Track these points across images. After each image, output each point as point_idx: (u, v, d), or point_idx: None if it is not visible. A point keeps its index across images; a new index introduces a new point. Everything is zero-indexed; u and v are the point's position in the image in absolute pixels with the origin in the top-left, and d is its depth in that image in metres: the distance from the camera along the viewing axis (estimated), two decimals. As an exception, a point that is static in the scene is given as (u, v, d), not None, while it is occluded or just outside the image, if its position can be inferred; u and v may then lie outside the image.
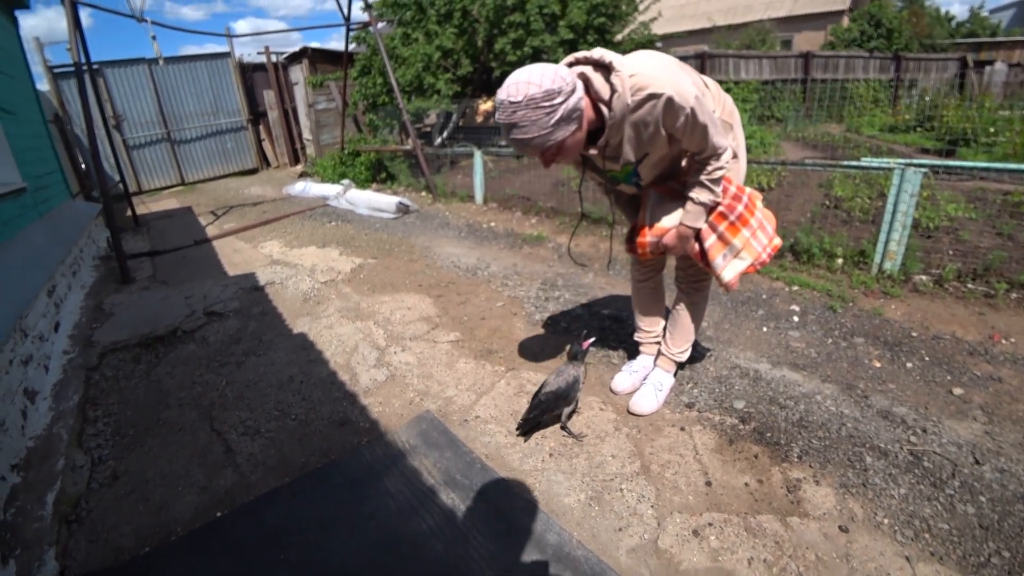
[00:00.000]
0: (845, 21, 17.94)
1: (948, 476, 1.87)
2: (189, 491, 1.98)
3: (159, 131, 10.32)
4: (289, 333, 3.22)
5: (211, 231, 6.20)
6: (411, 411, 2.37)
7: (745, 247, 1.91)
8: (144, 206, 8.44)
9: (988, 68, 12.67)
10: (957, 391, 2.34)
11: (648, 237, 1.96)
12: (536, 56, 7.51)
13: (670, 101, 1.53)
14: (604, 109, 1.62)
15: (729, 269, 1.92)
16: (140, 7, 7.04)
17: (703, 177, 1.76)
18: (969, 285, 3.22)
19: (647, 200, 1.98)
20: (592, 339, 2.16)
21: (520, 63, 7.57)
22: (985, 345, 2.69)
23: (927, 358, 2.60)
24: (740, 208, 1.89)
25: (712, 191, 1.80)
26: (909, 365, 2.56)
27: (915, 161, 3.26)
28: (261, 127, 11.63)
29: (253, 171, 11.52)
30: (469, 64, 8.17)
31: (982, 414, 2.19)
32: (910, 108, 9.56)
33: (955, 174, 4.31)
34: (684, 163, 1.89)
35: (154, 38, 7.84)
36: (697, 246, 1.94)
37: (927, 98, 9.67)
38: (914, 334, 2.82)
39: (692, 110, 1.56)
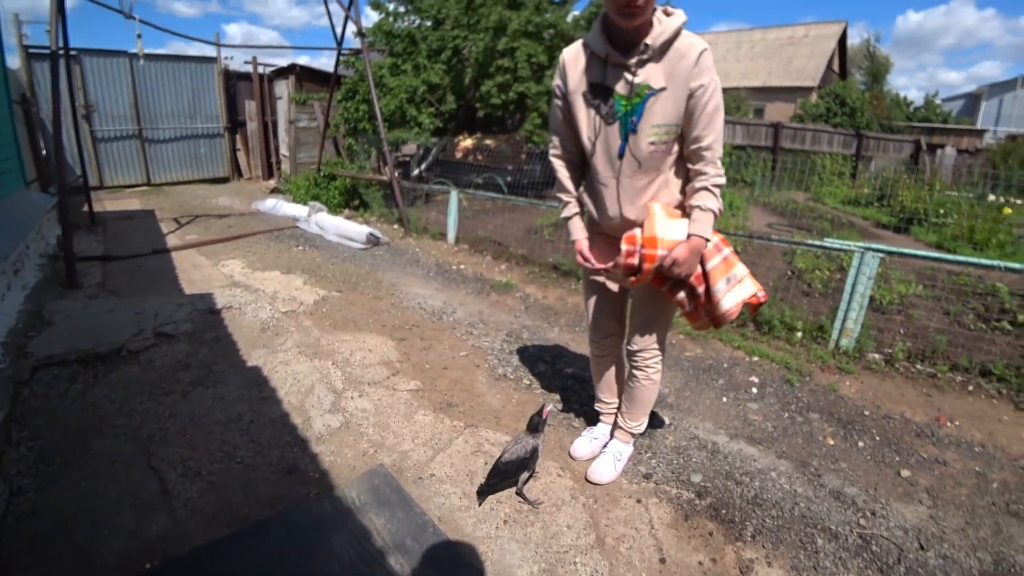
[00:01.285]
0: (814, 97, 19.08)
1: (895, 561, 1.90)
2: (116, 535, 1.84)
3: (131, 127, 10.02)
4: (242, 365, 3.08)
5: (172, 240, 5.98)
6: (364, 463, 2.27)
7: (747, 276, 1.89)
8: (103, 203, 8.09)
9: (939, 151, 13.61)
10: (905, 473, 2.40)
11: (659, 250, 1.78)
12: (521, 101, 7.69)
13: (706, 53, 1.68)
14: (661, 18, 1.71)
15: (730, 296, 1.84)
16: (130, 2, 6.92)
17: (708, 183, 1.76)
18: (918, 366, 3.36)
19: (652, 215, 1.83)
20: (550, 409, 2.14)
21: (505, 106, 7.73)
22: (932, 427, 2.78)
23: (878, 438, 2.67)
24: (729, 250, 1.90)
25: (717, 198, 1.79)
26: (861, 444, 2.62)
27: (873, 246, 3.42)
28: (238, 137, 11.44)
29: (224, 180, 11.27)
30: (454, 101, 8.28)
31: (927, 497, 2.25)
32: (869, 183, 10.12)
33: (910, 256, 4.55)
34: (672, 160, 1.84)
35: (139, 36, 7.70)
36: (699, 268, 1.85)
37: (885, 175, 10.27)
38: (866, 412, 2.90)
39: (717, 82, 1.72)
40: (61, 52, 4.84)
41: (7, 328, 3.35)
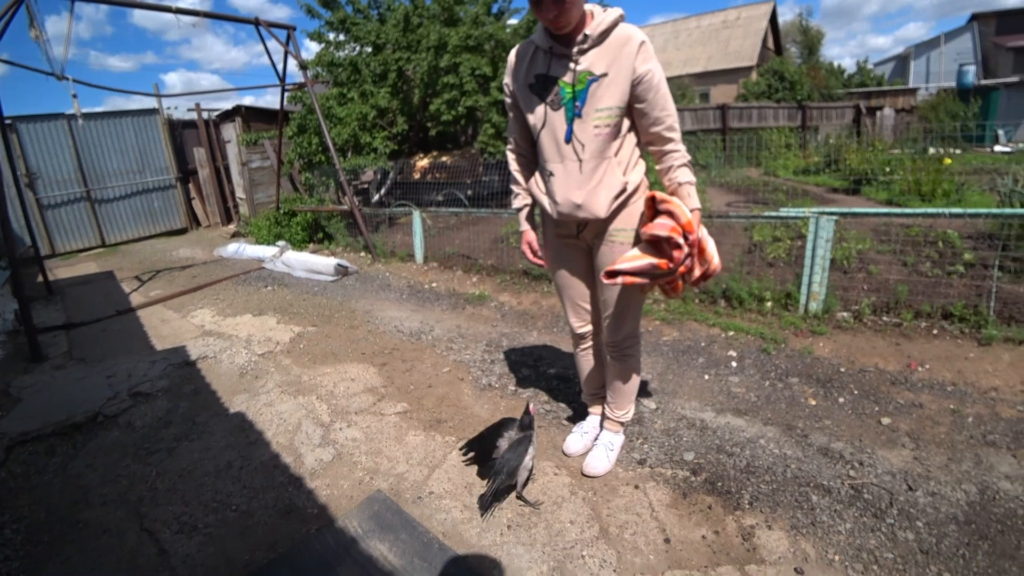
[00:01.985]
0: (754, 75, 19.68)
1: (887, 505, 1.98)
2: (116, 606, 1.79)
3: (78, 189, 9.76)
4: (225, 413, 3.03)
5: (136, 299, 5.83)
6: (361, 492, 2.26)
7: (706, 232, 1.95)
8: (58, 271, 7.86)
9: (879, 113, 14.17)
10: (885, 421, 2.50)
11: (696, 232, 1.80)
12: (471, 115, 7.76)
13: (646, 43, 1.77)
14: (598, 11, 1.81)
15: (715, 253, 1.92)
16: (61, 64, 6.77)
17: (684, 159, 1.86)
18: (884, 318, 3.49)
19: (674, 203, 1.82)
20: (535, 408, 2.19)
21: (456, 122, 7.80)
22: (904, 374, 2.90)
23: (856, 391, 2.77)
24: None
25: (692, 170, 1.89)
26: (841, 400, 2.71)
27: (827, 210, 3.56)
28: (191, 185, 11.25)
29: (182, 231, 11.05)
30: (404, 122, 8.32)
31: (909, 440, 2.35)
32: (817, 152, 10.48)
33: (862, 215, 4.73)
34: (618, 145, 1.88)
35: (75, 96, 7.54)
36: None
37: (831, 142, 10.65)
38: (842, 369, 3.00)
39: (660, 72, 1.80)
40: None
41: (-27, 412, 3.24)
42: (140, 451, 2.70)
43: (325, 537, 1.98)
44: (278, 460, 2.53)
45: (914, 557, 1.75)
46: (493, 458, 2.06)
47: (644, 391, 2.88)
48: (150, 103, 10.61)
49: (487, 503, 2.07)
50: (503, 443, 2.09)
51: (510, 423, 2.21)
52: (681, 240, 1.76)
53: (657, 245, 1.83)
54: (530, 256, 2.22)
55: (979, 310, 3.28)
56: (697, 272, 1.90)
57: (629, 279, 1.84)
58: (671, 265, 1.79)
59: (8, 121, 8.11)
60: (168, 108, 10.84)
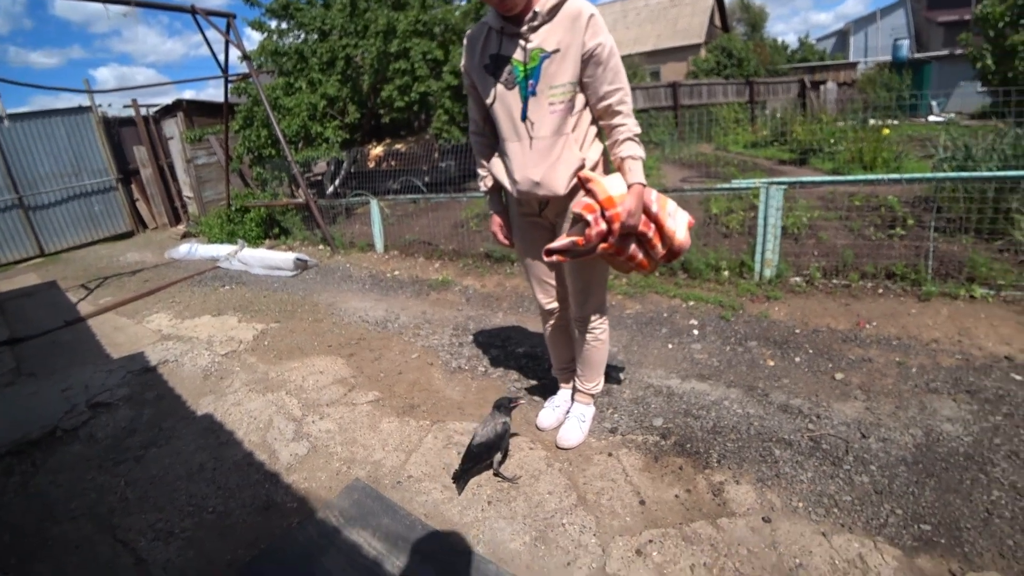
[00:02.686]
0: (703, 53, 20.02)
1: (843, 453, 2.11)
2: (95, 617, 1.75)
3: (8, 196, 9.18)
4: (192, 416, 2.96)
5: (84, 308, 5.58)
6: (340, 482, 2.26)
7: (676, 206, 1.98)
8: (-5, 286, 7.43)
9: (822, 87, 14.67)
10: (839, 376, 2.65)
11: (619, 207, 1.80)
12: (424, 101, 7.64)
13: (596, 16, 1.78)
14: None
15: (680, 227, 1.92)
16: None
17: (630, 133, 1.86)
18: (834, 281, 3.67)
19: (596, 180, 1.86)
20: (523, 402, 2.24)
21: (409, 108, 7.68)
22: (854, 332, 3.07)
23: (811, 351, 2.92)
24: (653, 191, 1.96)
25: (640, 145, 1.88)
26: (797, 359, 2.85)
27: (776, 180, 3.70)
28: (134, 186, 10.74)
29: (128, 235, 10.57)
30: (356, 111, 8.14)
31: (861, 393, 2.51)
32: (766, 125, 10.79)
33: (810, 184, 4.94)
34: (574, 122, 1.88)
35: (-3, 98, 7.06)
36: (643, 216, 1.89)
37: (778, 116, 10.98)
38: (797, 331, 3.15)
39: (611, 44, 1.80)
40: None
41: (-84, 437, 3.06)
42: (106, 462, 2.62)
43: (307, 529, 1.98)
44: (252, 458, 2.50)
45: (870, 498, 1.89)
46: (472, 445, 2.09)
47: (611, 362, 2.96)
48: (81, 100, 10.04)
49: (459, 477, 2.11)
50: (479, 429, 2.12)
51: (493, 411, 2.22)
52: (591, 217, 1.79)
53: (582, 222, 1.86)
54: (500, 238, 2.24)
55: (918, 269, 3.48)
56: (661, 249, 1.94)
57: (559, 257, 1.89)
58: (586, 242, 1.82)
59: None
60: (102, 105, 10.30)
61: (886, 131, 7.76)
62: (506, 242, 2.25)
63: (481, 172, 2.20)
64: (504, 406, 2.15)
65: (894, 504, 1.85)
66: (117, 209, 10.53)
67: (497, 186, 2.16)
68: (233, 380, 3.35)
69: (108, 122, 10.29)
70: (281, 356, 3.65)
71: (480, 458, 2.09)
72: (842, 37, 28.05)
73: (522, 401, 2.26)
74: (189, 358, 3.76)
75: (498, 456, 2.13)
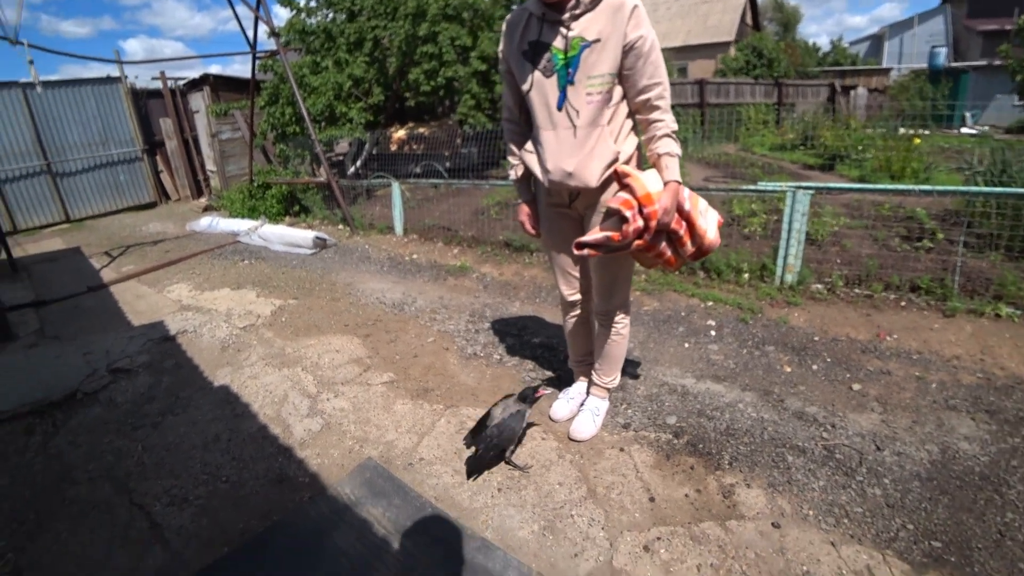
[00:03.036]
0: (732, 51, 19.68)
1: (857, 464, 2.09)
2: (111, 577, 1.80)
3: (37, 162, 9.33)
4: (209, 387, 3.01)
5: (107, 275, 5.68)
6: (352, 460, 2.29)
7: (707, 204, 1.97)
8: (21, 248, 7.57)
9: (852, 92, 14.37)
10: (856, 387, 2.62)
11: (656, 204, 1.79)
12: (450, 86, 7.60)
13: (639, 7, 1.74)
14: None
15: (711, 226, 1.93)
16: (15, 28, 6.43)
17: (668, 129, 1.84)
18: (856, 290, 3.62)
19: (635, 175, 1.85)
20: (547, 392, 2.26)
21: (434, 93, 7.65)
22: (874, 343, 3.03)
23: (829, 359, 2.89)
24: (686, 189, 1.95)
25: (677, 142, 1.86)
26: (815, 367, 2.82)
27: (803, 184, 3.64)
28: (158, 158, 10.86)
29: (151, 205, 10.71)
30: (381, 93, 8.12)
31: (878, 405, 2.47)
32: (793, 129, 10.61)
33: (836, 191, 4.86)
34: (610, 114, 1.87)
35: (31, 62, 7.16)
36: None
37: (807, 120, 10.79)
38: (816, 338, 3.12)
39: (653, 38, 1.77)
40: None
41: (-57, 391, 3.14)
42: (124, 427, 2.68)
43: (319, 504, 2.01)
44: (266, 431, 2.54)
45: (881, 511, 1.87)
46: (487, 426, 2.10)
47: (627, 358, 2.95)
48: (111, 71, 10.13)
49: (474, 466, 2.13)
50: (498, 411, 2.13)
51: (509, 397, 2.23)
52: (629, 214, 1.78)
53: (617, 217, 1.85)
54: (528, 227, 2.23)
55: (944, 283, 3.42)
56: (690, 247, 1.92)
57: (591, 251, 1.88)
58: (622, 239, 1.81)
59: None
60: (130, 77, 10.38)
61: (917, 140, 7.60)
62: (533, 231, 2.24)
63: (512, 160, 2.18)
64: (528, 397, 2.16)
65: (905, 519, 1.83)
66: (142, 180, 10.66)
67: (527, 175, 2.14)
68: (250, 353, 3.39)
69: (136, 93, 10.38)
70: (298, 332, 3.69)
71: (495, 444, 2.10)
72: (876, 42, 27.39)
73: (546, 392, 2.27)
74: (208, 329, 3.81)
75: (511, 446, 2.14)
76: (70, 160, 9.72)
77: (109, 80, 10.02)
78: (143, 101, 10.53)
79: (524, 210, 2.22)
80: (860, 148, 8.01)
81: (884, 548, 1.72)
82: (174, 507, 2.10)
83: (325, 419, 2.62)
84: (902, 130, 8.96)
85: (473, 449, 2.15)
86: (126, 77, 10.23)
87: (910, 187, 3.59)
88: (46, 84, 9.26)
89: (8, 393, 3.07)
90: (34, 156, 9.32)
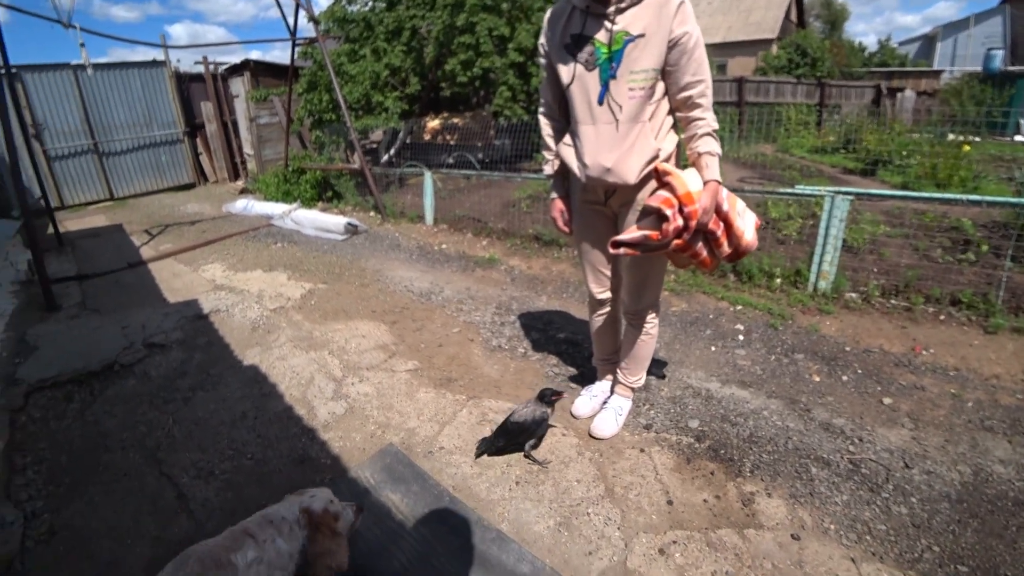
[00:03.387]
0: (774, 49, 19.17)
1: (883, 480, 2.04)
2: (140, 543, 1.88)
3: (85, 142, 9.69)
4: (239, 365, 3.10)
5: (146, 252, 5.87)
6: (373, 445, 2.33)
7: (745, 208, 1.93)
8: (67, 223, 7.88)
9: (899, 95, 13.85)
10: (887, 400, 2.54)
11: (696, 204, 1.78)
12: (486, 77, 7.59)
13: (683, 5, 1.73)
14: None
15: (748, 228, 1.90)
16: (68, 11, 6.65)
17: (709, 128, 1.81)
18: (892, 301, 3.50)
19: (676, 174, 1.83)
20: (564, 396, 2.28)
21: (471, 83, 7.65)
22: (908, 356, 2.93)
23: (860, 371, 2.81)
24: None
25: (718, 141, 1.84)
26: (844, 378, 2.75)
27: (843, 189, 3.53)
28: (198, 140, 11.15)
29: (190, 186, 11.01)
30: (417, 83, 8.16)
31: (909, 421, 2.40)
32: (834, 131, 10.29)
33: (877, 197, 4.70)
34: (652, 110, 1.85)
35: (83, 45, 7.41)
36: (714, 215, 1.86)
37: (849, 122, 10.44)
38: (847, 348, 3.03)
39: (698, 34, 1.75)
40: (2, 71, 4.63)
41: (-8, 357, 3.30)
42: (156, 399, 2.77)
43: (339, 486, 2.05)
44: (291, 412, 2.60)
45: (906, 530, 1.82)
46: (507, 419, 2.12)
47: (652, 358, 2.93)
48: (156, 54, 10.42)
49: (484, 447, 2.17)
50: (520, 408, 2.14)
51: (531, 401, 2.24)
52: (669, 212, 1.75)
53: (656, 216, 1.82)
54: (560, 224, 2.21)
55: (988, 299, 3.28)
56: (727, 248, 1.89)
57: (627, 250, 1.85)
58: (661, 238, 1.79)
59: (14, 70, 7.98)
60: (174, 61, 10.66)
61: (967, 148, 7.29)
62: (566, 229, 2.22)
63: (547, 155, 2.16)
64: (547, 397, 2.17)
65: (932, 540, 1.77)
66: (182, 161, 10.96)
67: (562, 170, 2.13)
68: (279, 335, 3.47)
69: (179, 77, 10.66)
70: (326, 316, 3.76)
71: (513, 435, 2.11)
72: (928, 42, 26.28)
73: (564, 395, 2.28)
74: (239, 309, 3.92)
75: (532, 441, 2.15)
76: (115, 140, 10.05)
77: (154, 64, 10.31)
78: (186, 85, 10.80)
79: (557, 206, 2.20)
80: (904, 154, 7.72)
81: (907, 568, 1.67)
82: (200, 480, 2.17)
83: (349, 403, 2.67)
84: (951, 136, 8.60)
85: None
86: (170, 61, 10.51)
87: (957, 196, 3.45)
88: (96, 66, 9.57)
89: (52, 361, 3.22)
90: (83, 135, 9.67)
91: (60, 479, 2.21)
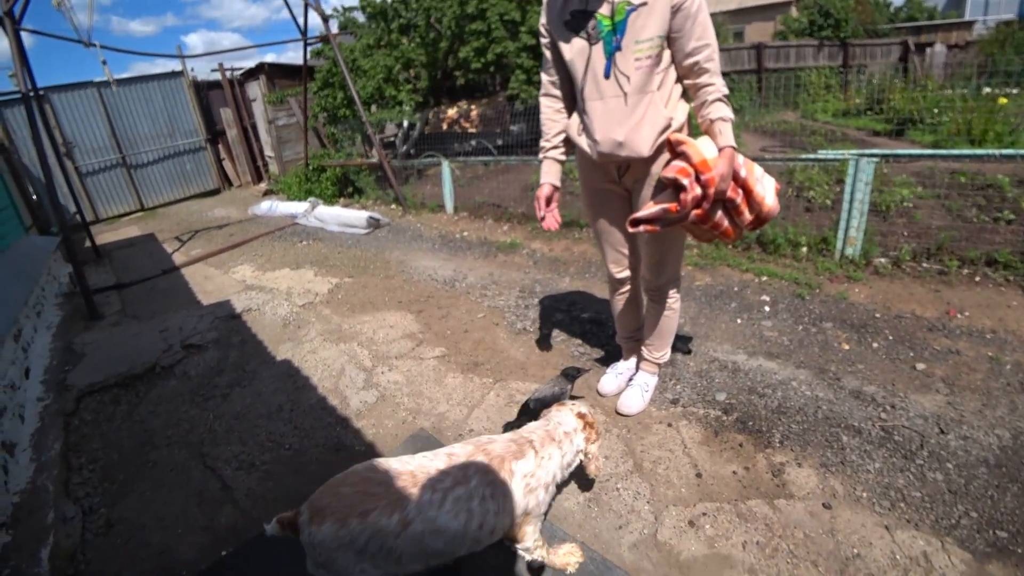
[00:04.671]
0: (794, 11, 18.50)
1: (917, 447, 2.00)
2: (190, 532, 1.98)
3: (113, 156, 10.01)
4: (272, 361, 3.20)
5: (178, 258, 6.07)
6: (405, 430, 2.40)
7: (763, 173, 1.88)
8: (102, 235, 8.18)
9: (928, 50, 13.26)
10: (920, 366, 2.49)
11: (713, 171, 1.73)
12: (499, 62, 7.55)
13: None
14: None
15: (769, 192, 1.84)
16: (87, 31, 6.85)
17: (720, 93, 1.77)
18: (924, 264, 3.41)
19: (690, 142, 1.79)
20: (587, 372, 2.36)
21: (485, 70, 7.62)
22: (942, 321, 2.85)
23: (891, 337, 2.75)
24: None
25: (730, 106, 1.79)
26: (875, 345, 2.70)
27: (867, 152, 3.43)
28: (220, 146, 11.40)
29: (215, 192, 11.28)
30: (428, 77, 8.18)
31: (944, 386, 2.34)
32: (860, 93, 9.93)
33: (905, 158, 4.54)
34: (659, 80, 1.81)
35: (104, 63, 7.63)
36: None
37: (875, 82, 10.06)
38: (877, 315, 2.97)
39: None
40: (32, 94, 4.81)
41: (43, 366, 3.48)
42: (197, 397, 2.89)
43: (374, 472, 2.12)
44: (325, 403, 2.69)
45: (942, 496, 1.79)
46: (527, 400, 2.15)
47: (677, 333, 2.91)
48: (174, 65, 10.64)
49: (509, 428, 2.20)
50: (539, 388, 2.18)
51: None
52: (686, 182, 1.71)
53: (673, 188, 1.79)
54: (540, 209, 2.08)
55: (1027, 256, 3.17)
56: (748, 216, 1.85)
57: (647, 227, 1.82)
58: (680, 209, 1.75)
59: (41, 92, 8.25)
60: (192, 70, 10.88)
61: (1003, 100, 6.96)
62: (552, 223, 2.09)
63: (543, 142, 2.10)
64: (571, 375, 2.19)
65: (969, 506, 1.74)
66: (206, 168, 11.22)
67: (557, 156, 2.08)
68: (309, 330, 3.57)
69: (198, 86, 10.88)
70: (354, 309, 3.84)
71: (534, 416, 2.14)
72: (959, -8, 25.00)
73: (588, 371, 2.31)
74: (270, 307, 4.03)
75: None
76: (142, 152, 10.34)
77: (173, 75, 10.54)
78: (204, 92, 11.02)
79: (545, 192, 2.06)
80: (936, 111, 7.42)
81: (943, 535, 1.65)
82: (242, 471, 2.26)
83: (380, 391, 2.74)
84: (987, 89, 8.21)
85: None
86: (189, 71, 10.74)
87: (991, 151, 3.31)
88: (117, 82, 9.85)
89: (98, 366, 3.38)
90: (111, 150, 9.98)
91: (113, 476, 2.34)
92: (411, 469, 1.42)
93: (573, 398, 2.27)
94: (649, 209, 1.82)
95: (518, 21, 7.29)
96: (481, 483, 1.41)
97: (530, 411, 2.14)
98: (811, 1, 17.43)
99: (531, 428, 1.66)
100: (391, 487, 1.36)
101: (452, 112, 8.94)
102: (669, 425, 2.25)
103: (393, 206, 7.04)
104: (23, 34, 4.76)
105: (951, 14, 23.06)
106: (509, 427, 2.23)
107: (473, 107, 8.86)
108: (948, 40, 15.84)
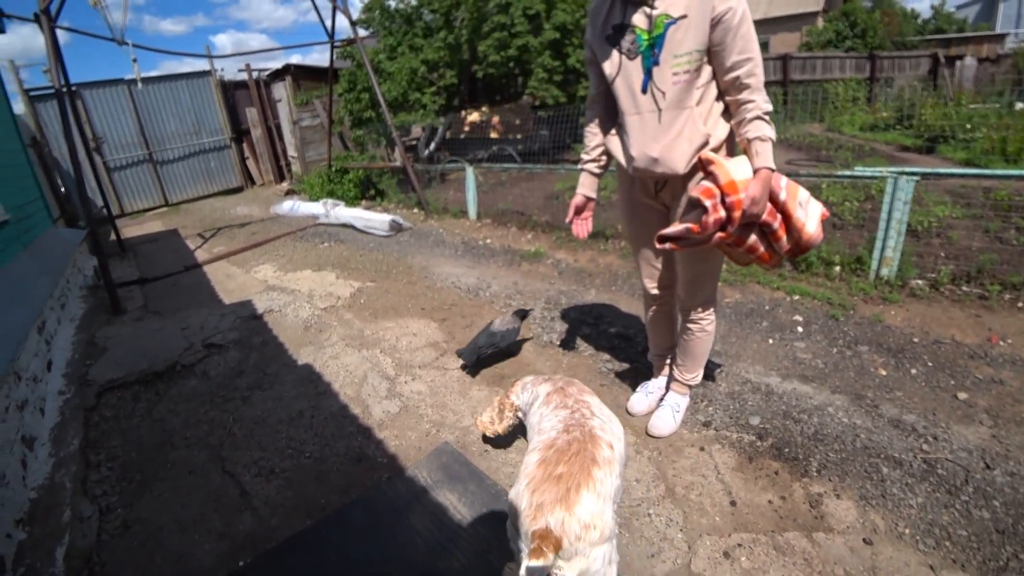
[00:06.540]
0: (820, 22, 18.28)
1: (962, 482, 1.91)
2: (207, 538, 1.94)
3: (141, 152, 10.18)
4: (293, 364, 3.18)
5: (201, 255, 6.11)
6: (428, 443, 2.35)
7: (809, 194, 1.81)
8: (127, 230, 8.28)
9: (958, 63, 13.01)
10: (962, 395, 2.39)
11: (741, 194, 1.68)
12: (520, 58, 7.51)
13: None
14: None
15: (811, 219, 1.77)
16: (121, 29, 6.96)
17: (760, 111, 1.70)
18: (964, 288, 3.29)
19: (719, 162, 1.74)
20: (531, 310, 3.29)
21: (504, 64, 7.57)
22: (984, 348, 2.74)
23: (930, 363, 2.65)
24: (784, 177, 1.80)
25: (771, 125, 1.71)
26: (914, 371, 2.60)
27: (907, 169, 3.33)
28: (245, 145, 11.52)
29: (238, 190, 11.40)
30: (453, 76, 8.17)
31: (988, 417, 2.24)
32: (888, 106, 9.75)
33: (945, 176, 4.42)
34: (698, 95, 1.75)
35: (135, 61, 7.75)
36: (769, 205, 1.75)
37: (905, 96, 9.87)
38: (915, 340, 2.86)
39: (743, 9, 1.64)
40: (64, 90, 4.89)
41: (65, 360, 3.50)
42: (217, 399, 2.87)
43: (396, 485, 2.08)
44: (347, 411, 2.65)
45: (989, 536, 1.70)
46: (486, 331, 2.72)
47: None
48: (202, 65, 10.79)
49: (475, 362, 2.84)
50: (497, 322, 2.80)
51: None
52: (709, 203, 1.66)
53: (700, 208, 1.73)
54: (570, 215, 2.14)
55: (1074, 280, 3.04)
56: (785, 242, 1.78)
57: (672, 244, 1.78)
58: (701, 231, 1.70)
59: (74, 88, 8.40)
60: (219, 70, 11.02)
61: (1040, 118, 6.78)
62: (580, 231, 2.14)
63: (582, 154, 2.12)
64: (521, 315, 2.89)
65: (1018, 547, 1.65)
66: (230, 166, 11.36)
67: (593, 169, 2.10)
68: (331, 334, 3.54)
69: (224, 85, 11.02)
70: (376, 315, 3.81)
71: (491, 337, 2.77)
72: (989, 3, 24.48)
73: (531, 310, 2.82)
74: (291, 309, 4.02)
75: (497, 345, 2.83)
76: (168, 149, 10.49)
77: (201, 74, 10.69)
78: (231, 92, 11.17)
79: (577, 201, 2.11)
80: (968, 127, 7.24)
81: (992, 577, 1.56)
82: (262, 478, 2.23)
83: (403, 401, 2.70)
84: (1020, 105, 8.00)
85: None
86: (216, 70, 10.88)
87: (1034, 172, 3.20)
88: (146, 80, 10.02)
89: (120, 362, 3.38)
90: (138, 146, 10.14)
91: (131, 475, 2.32)
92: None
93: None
94: (675, 228, 1.77)
95: (543, 15, 7.22)
96: None
97: (490, 333, 2.78)
98: (837, 12, 17.24)
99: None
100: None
101: (475, 116, 8.94)
102: (702, 449, 2.17)
103: (415, 210, 7.03)
104: (58, 31, 4.83)
105: (982, 26, 22.63)
106: (467, 351, 2.76)
107: (495, 112, 8.85)
108: (979, 53, 15.53)
